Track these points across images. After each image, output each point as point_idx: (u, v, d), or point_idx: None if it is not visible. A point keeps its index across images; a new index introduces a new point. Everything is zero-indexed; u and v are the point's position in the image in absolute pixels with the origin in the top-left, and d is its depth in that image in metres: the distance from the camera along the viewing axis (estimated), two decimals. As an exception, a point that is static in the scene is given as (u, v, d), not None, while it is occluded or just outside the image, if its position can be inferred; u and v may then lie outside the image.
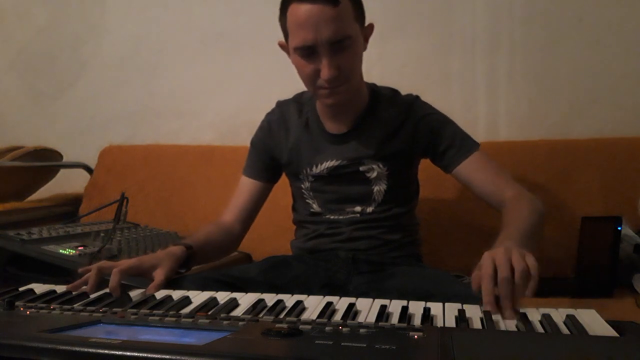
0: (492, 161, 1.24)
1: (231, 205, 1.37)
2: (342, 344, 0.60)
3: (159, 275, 1.03)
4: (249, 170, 1.39)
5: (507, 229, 1.00)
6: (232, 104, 2.12)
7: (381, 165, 1.27)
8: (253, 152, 1.40)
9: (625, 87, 1.79)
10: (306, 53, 1.13)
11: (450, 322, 0.76)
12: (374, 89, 1.32)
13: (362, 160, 1.27)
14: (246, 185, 1.38)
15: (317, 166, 1.30)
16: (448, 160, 1.25)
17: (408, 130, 1.27)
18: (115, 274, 0.98)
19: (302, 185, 1.33)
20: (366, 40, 1.22)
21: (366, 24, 1.21)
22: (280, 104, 1.39)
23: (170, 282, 1.07)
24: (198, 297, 0.91)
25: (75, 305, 0.85)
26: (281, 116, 1.36)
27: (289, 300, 0.88)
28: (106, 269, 1.01)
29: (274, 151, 1.36)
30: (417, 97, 1.32)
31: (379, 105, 1.29)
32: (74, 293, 0.97)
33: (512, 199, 1.15)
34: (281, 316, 0.80)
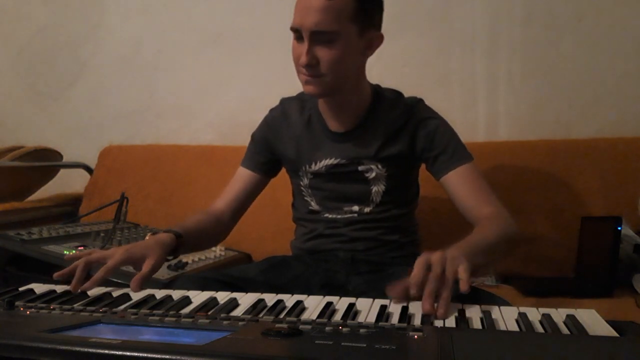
0: (480, 177, 1.24)
1: (224, 194, 1.36)
2: (342, 344, 0.60)
3: (146, 266, 1.02)
4: (247, 162, 1.39)
5: (463, 240, 1.01)
6: (232, 104, 2.12)
7: (380, 167, 1.27)
8: (253, 144, 1.40)
9: (625, 87, 1.79)
10: (296, 35, 1.17)
11: (450, 322, 0.76)
12: (377, 90, 1.32)
13: (361, 160, 1.27)
14: (242, 176, 1.37)
15: (316, 163, 1.30)
16: (438, 166, 1.25)
17: (408, 133, 1.27)
18: (102, 271, 0.98)
19: (301, 182, 1.33)
20: (369, 47, 1.21)
21: (376, 31, 1.20)
22: (283, 101, 1.39)
23: (171, 282, 1.07)
24: (198, 297, 0.91)
25: (75, 305, 0.85)
26: (283, 112, 1.37)
27: (289, 300, 0.88)
28: (94, 262, 1.01)
29: (274, 146, 1.36)
30: (420, 100, 1.32)
31: (382, 106, 1.29)
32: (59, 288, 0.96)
33: (485, 218, 1.15)
34: (281, 316, 0.79)
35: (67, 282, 0.99)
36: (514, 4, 1.84)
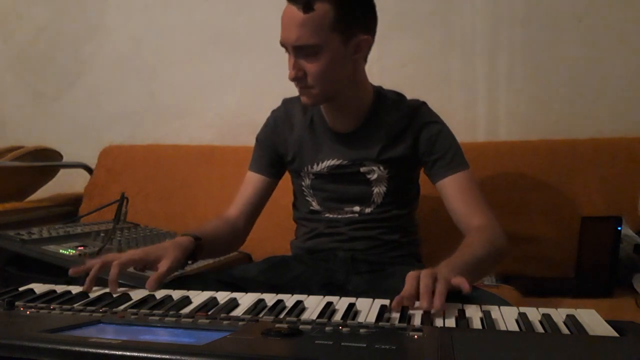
0: (474, 186, 1.24)
1: (236, 200, 1.36)
2: (342, 344, 0.60)
3: (162, 266, 1.03)
4: (254, 166, 1.39)
5: (452, 257, 1.01)
6: (232, 104, 2.12)
7: (382, 168, 1.27)
8: (258, 147, 1.40)
9: (625, 87, 1.79)
10: (285, 49, 1.17)
11: (450, 322, 0.76)
12: (380, 92, 1.32)
13: (363, 162, 1.28)
14: (251, 180, 1.37)
15: (318, 164, 1.30)
16: (435, 171, 1.26)
17: (411, 136, 1.27)
18: (115, 266, 0.98)
19: (303, 183, 1.34)
20: (357, 51, 1.19)
21: (363, 34, 1.18)
22: (286, 102, 1.39)
23: (171, 282, 1.07)
24: (198, 297, 0.91)
25: (75, 305, 0.85)
26: (286, 113, 1.37)
27: (289, 300, 0.88)
28: (110, 262, 1.01)
29: (278, 147, 1.36)
30: (423, 103, 1.32)
31: (384, 108, 1.29)
32: (73, 291, 0.96)
33: (475, 229, 1.16)
34: (281, 316, 0.80)
35: (79, 283, 1.00)
36: (514, 4, 1.84)
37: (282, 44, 1.17)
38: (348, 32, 1.16)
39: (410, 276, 0.88)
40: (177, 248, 1.08)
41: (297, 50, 1.14)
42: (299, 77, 1.17)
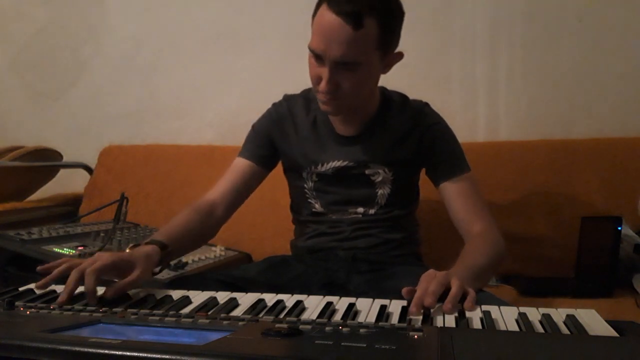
0: (476, 189, 1.24)
1: (219, 185, 1.28)
2: (342, 344, 0.60)
3: (131, 276, 0.95)
4: (246, 153, 1.33)
5: (458, 265, 1.01)
6: (232, 104, 2.12)
7: (387, 170, 1.27)
8: (253, 135, 1.36)
9: (625, 87, 1.79)
10: (315, 56, 1.13)
11: (450, 322, 0.76)
12: (385, 94, 1.31)
13: (368, 164, 1.27)
14: (240, 167, 1.31)
15: (322, 165, 1.29)
16: (437, 174, 1.26)
17: (415, 138, 1.27)
18: (89, 274, 0.89)
19: (305, 185, 1.33)
20: (389, 65, 1.20)
21: (396, 49, 1.19)
22: (288, 98, 1.36)
23: (171, 283, 1.07)
24: (198, 297, 0.91)
25: (75, 305, 0.85)
26: (289, 110, 1.34)
27: (289, 300, 0.88)
28: (78, 269, 0.91)
29: (277, 143, 1.34)
30: (426, 104, 1.32)
31: (389, 111, 1.29)
32: (38, 292, 0.92)
33: (476, 236, 1.16)
34: (281, 316, 0.80)
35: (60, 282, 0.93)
36: (514, 4, 1.84)
37: (317, 54, 1.11)
38: (387, 49, 1.16)
39: (425, 278, 0.87)
40: (147, 260, 1.00)
41: (336, 65, 1.10)
42: (333, 90, 1.13)
